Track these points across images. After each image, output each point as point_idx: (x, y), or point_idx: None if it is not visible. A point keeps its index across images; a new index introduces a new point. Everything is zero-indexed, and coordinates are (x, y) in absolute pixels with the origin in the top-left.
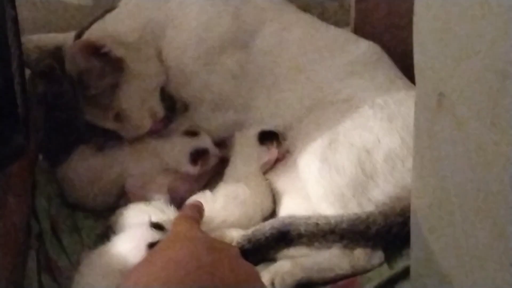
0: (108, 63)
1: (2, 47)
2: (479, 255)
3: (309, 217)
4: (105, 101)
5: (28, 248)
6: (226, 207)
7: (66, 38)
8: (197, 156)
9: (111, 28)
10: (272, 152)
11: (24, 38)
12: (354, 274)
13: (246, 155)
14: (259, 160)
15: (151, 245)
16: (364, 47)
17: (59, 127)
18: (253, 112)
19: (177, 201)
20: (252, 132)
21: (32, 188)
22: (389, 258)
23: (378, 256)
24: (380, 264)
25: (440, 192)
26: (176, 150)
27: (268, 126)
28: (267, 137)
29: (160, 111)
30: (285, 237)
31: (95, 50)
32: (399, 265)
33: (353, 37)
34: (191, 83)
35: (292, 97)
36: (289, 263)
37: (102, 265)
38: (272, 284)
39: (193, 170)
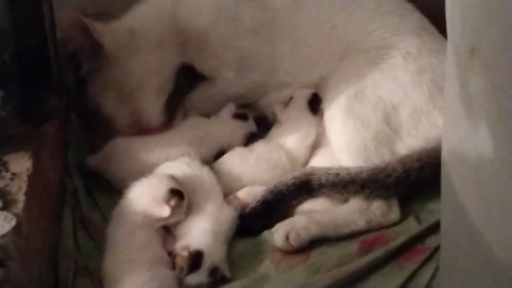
0: (92, 46)
1: (34, 8)
2: (509, 210)
3: (330, 168)
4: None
5: (64, 205)
6: (257, 167)
7: None
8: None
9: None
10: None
11: None
12: (370, 230)
13: (302, 129)
14: (318, 129)
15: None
16: None
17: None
18: (281, 72)
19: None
20: (302, 104)
21: (65, 147)
22: (418, 214)
23: (394, 212)
24: (397, 222)
25: (471, 146)
26: (229, 132)
27: (300, 85)
28: (313, 102)
29: (150, 115)
30: (306, 187)
31: (85, 28)
32: (428, 221)
33: None
34: (211, 45)
35: (320, 51)
36: (305, 218)
37: (123, 215)
38: (287, 238)
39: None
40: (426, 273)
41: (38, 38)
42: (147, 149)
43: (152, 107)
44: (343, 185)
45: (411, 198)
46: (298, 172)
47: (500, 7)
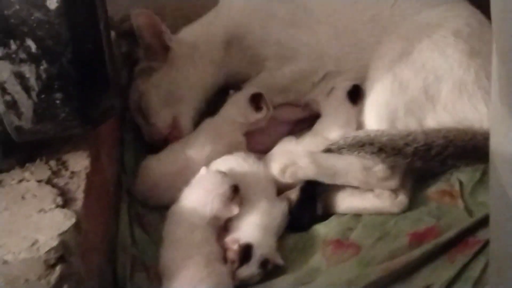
0: (159, 45)
1: (90, 10)
2: None
3: (347, 135)
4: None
5: (120, 202)
6: None
7: None
8: (256, 101)
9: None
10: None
11: None
12: (364, 186)
13: (343, 119)
14: (359, 118)
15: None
16: None
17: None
18: (326, 60)
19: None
20: (341, 95)
21: (121, 145)
22: (469, 207)
23: (394, 182)
24: (442, 206)
25: None
26: (237, 106)
27: (347, 79)
28: (354, 93)
29: (185, 125)
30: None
31: (157, 28)
32: (479, 213)
33: None
34: (251, 45)
35: (364, 37)
36: (308, 158)
37: (182, 213)
38: (284, 171)
39: (260, 114)
40: (477, 266)
41: (93, 41)
42: (182, 155)
43: (190, 117)
44: (361, 145)
45: (462, 190)
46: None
47: None
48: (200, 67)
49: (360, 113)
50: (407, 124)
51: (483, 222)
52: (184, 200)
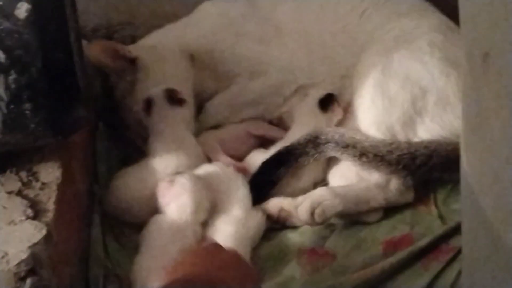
0: (126, 63)
1: (60, 20)
2: None
3: (339, 129)
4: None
5: (93, 213)
6: None
7: None
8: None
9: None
10: (338, 113)
11: None
12: (387, 206)
13: (312, 126)
14: (328, 125)
15: None
16: None
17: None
18: (299, 74)
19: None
20: (312, 102)
21: (93, 155)
22: (442, 214)
23: (410, 194)
24: (415, 213)
25: (488, 148)
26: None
27: (321, 88)
28: (326, 101)
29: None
30: (314, 141)
31: (114, 51)
32: (453, 221)
33: None
34: (221, 60)
35: (335, 49)
36: (330, 194)
37: (163, 224)
38: (312, 214)
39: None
40: (451, 273)
41: (64, 50)
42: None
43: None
44: (344, 146)
45: (435, 198)
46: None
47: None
48: (172, 63)
49: (330, 121)
50: (406, 136)
51: (456, 229)
52: (170, 211)
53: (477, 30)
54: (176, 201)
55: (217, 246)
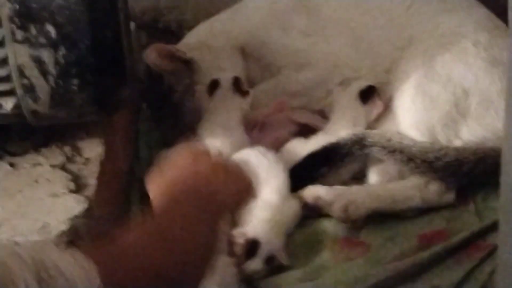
0: (182, 64)
1: (110, 0)
2: None
3: (386, 132)
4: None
5: (132, 191)
6: None
7: None
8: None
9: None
10: (378, 105)
11: None
12: (424, 207)
13: (351, 117)
14: (368, 117)
15: None
16: None
17: (161, 79)
18: (344, 67)
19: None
20: (352, 93)
21: (135, 135)
22: (479, 211)
23: (450, 195)
24: (452, 209)
25: None
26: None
27: (363, 80)
28: (367, 93)
29: None
30: (360, 142)
31: (170, 53)
32: (489, 218)
33: None
34: (268, 53)
35: (380, 43)
36: (364, 191)
37: None
38: (345, 211)
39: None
40: (485, 270)
41: (112, 29)
42: None
43: None
44: (392, 150)
45: (473, 195)
46: (357, 131)
47: None
48: (222, 59)
49: (370, 113)
50: (447, 137)
51: (493, 226)
52: None
53: None
54: None
55: (206, 151)
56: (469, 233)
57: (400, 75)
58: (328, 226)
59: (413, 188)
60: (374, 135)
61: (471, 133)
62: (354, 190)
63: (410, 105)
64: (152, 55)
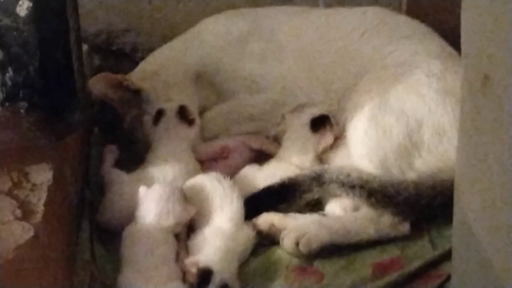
0: (130, 94)
1: (60, 20)
2: None
3: (343, 167)
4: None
5: (82, 217)
6: (267, 183)
7: None
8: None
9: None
10: (327, 137)
11: None
12: (379, 239)
13: (301, 146)
14: (316, 148)
15: None
16: (403, 18)
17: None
18: (298, 92)
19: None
20: (304, 120)
21: (86, 160)
22: (433, 240)
23: (405, 226)
24: (406, 235)
25: (483, 174)
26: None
27: (317, 107)
28: (319, 121)
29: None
30: (318, 179)
31: (118, 83)
32: (442, 247)
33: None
34: (223, 76)
35: (334, 69)
36: (316, 224)
37: (138, 235)
38: (297, 244)
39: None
40: None
41: (63, 51)
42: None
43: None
44: (351, 186)
45: (427, 223)
46: (315, 167)
47: None
48: (176, 87)
49: (321, 141)
50: (401, 169)
51: (447, 255)
52: (142, 218)
53: (478, 52)
54: (142, 205)
55: None
56: (423, 262)
57: (353, 106)
58: (282, 254)
59: (367, 220)
60: (333, 171)
61: (425, 164)
62: (305, 222)
63: (363, 136)
64: (97, 85)
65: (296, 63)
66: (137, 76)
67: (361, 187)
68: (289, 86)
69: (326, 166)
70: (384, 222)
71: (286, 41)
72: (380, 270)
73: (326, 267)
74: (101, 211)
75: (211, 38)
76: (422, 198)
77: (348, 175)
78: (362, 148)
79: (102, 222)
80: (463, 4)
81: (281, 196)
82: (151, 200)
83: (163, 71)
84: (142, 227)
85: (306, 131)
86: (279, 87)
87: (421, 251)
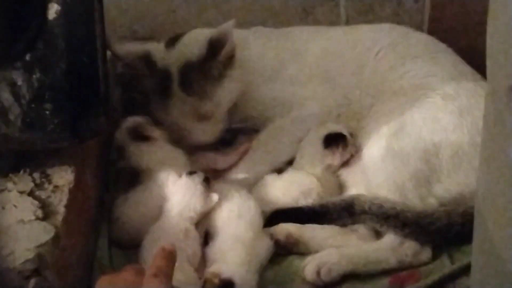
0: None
1: (87, 24)
2: None
3: (376, 198)
4: (205, 92)
5: (101, 221)
6: (286, 192)
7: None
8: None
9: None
10: (335, 158)
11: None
12: (400, 269)
13: (311, 157)
14: (322, 163)
15: None
16: (416, 35)
17: (134, 108)
18: (321, 113)
19: None
20: (319, 133)
21: (107, 164)
22: (452, 254)
23: (426, 254)
24: (427, 263)
25: (507, 189)
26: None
27: (339, 126)
28: (335, 139)
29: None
30: (349, 210)
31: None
32: (461, 261)
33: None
34: (258, 97)
35: (352, 90)
36: (337, 254)
37: (163, 229)
38: (318, 273)
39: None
40: None
41: (89, 55)
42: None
43: None
44: (385, 217)
45: None
46: (346, 195)
47: None
48: None
49: (324, 159)
50: (420, 196)
51: (465, 270)
52: (168, 212)
53: (506, 59)
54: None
55: (139, 272)
56: (440, 276)
57: (369, 131)
58: (299, 264)
59: (388, 250)
60: (364, 202)
61: (444, 189)
62: (326, 252)
63: (380, 164)
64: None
65: (321, 83)
66: None
67: (396, 217)
68: (319, 106)
69: (356, 195)
70: (406, 251)
71: (313, 61)
72: (398, 282)
73: (343, 279)
74: (113, 231)
75: (248, 64)
76: (454, 225)
77: (381, 206)
78: (380, 175)
79: (117, 240)
80: (489, 14)
81: (310, 219)
82: (176, 193)
83: None
84: (170, 218)
85: (318, 145)
86: (310, 107)
87: (440, 265)
